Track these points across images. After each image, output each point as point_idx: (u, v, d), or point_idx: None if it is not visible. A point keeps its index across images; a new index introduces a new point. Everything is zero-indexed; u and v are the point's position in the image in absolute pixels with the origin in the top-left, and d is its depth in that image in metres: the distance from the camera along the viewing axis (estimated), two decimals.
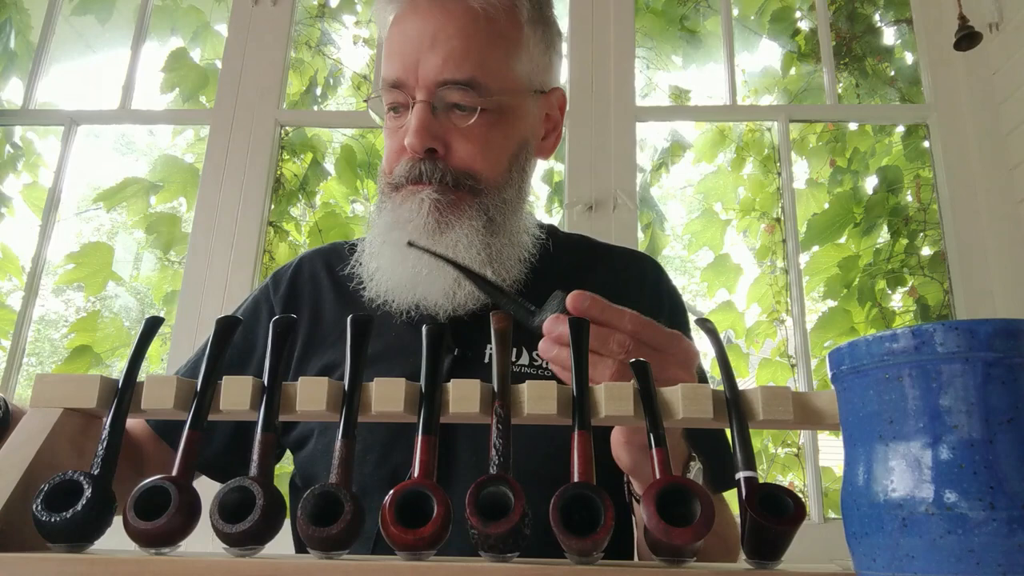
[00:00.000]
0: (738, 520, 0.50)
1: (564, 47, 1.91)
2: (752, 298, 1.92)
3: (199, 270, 1.79)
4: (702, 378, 0.96)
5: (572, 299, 0.63)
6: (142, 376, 0.53)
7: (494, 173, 0.86)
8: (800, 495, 1.30)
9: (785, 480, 1.79)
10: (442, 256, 0.76)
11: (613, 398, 0.51)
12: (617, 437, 0.67)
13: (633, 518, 0.83)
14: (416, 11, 0.84)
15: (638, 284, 0.98)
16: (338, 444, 0.48)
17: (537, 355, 0.82)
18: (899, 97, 2.03)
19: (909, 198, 1.93)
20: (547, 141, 0.96)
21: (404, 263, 0.83)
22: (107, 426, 0.50)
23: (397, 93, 0.85)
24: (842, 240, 1.93)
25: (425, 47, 0.82)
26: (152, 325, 0.56)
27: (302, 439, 0.88)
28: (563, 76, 1.69)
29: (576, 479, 0.46)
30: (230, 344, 0.55)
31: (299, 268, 0.98)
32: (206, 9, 2.17)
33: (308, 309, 0.94)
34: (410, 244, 0.78)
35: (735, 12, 2.06)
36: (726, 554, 0.83)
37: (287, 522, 0.63)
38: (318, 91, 2.10)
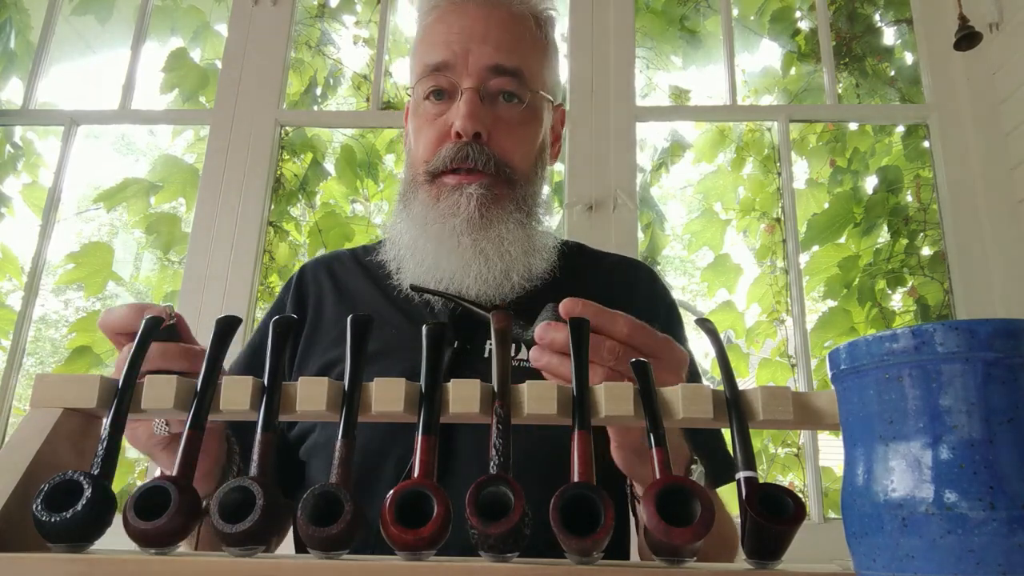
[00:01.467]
0: (736, 520, 0.50)
1: (563, 47, 1.92)
2: (752, 298, 1.92)
3: (199, 270, 1.79)
4: (694, 378, 0.96)
5: (565, 305, 0.63)
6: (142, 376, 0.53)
7: (526, 167, 0.91)
8: (800, 495, 1.30)
9: (785, 480, 1.79)
10: (441, 294, 0.84)
11: (613, 398, 0.51)
12: (611, 440, 0.67)
13: (633, 519, 0.83)
14: (465, 10, 0.90)
15: (632, 290, 0.98)
16: (338, 444, 0.48)
17: None
18: (899, 97, 2.03)
19: (909, 198, 1.92)
20: (552, 149, 1.01)
21: (451, 256, 0.85)
22: (107, 426, 0.50)
23: (441, 77, 0.88)
24: (842, 240, 1.93)
25: (476, 38, 0.87)
26: (152, 325, 0.56)
27: (304, 433, 0.89)
28: (563, 76, 1.69)
29: (576, 479, 0.46)
30: (229, 344, 0.55)
31: (301, 275, 1.01)
32: (206, 9, 2.17)
33: (311, 310, 0.96)
34: (412, 288, 0.86)
35: (735, 12, 2.06)
36: (723, 551, 0.83)
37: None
38: (318, 91, 2.10)
